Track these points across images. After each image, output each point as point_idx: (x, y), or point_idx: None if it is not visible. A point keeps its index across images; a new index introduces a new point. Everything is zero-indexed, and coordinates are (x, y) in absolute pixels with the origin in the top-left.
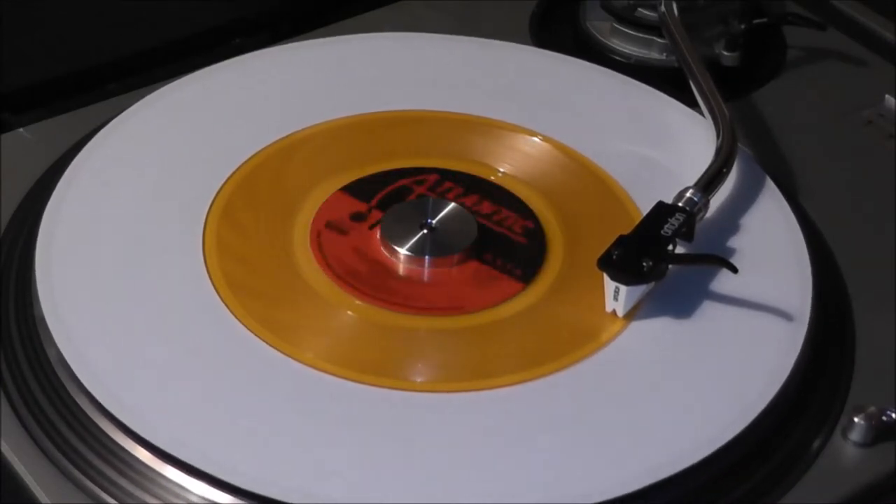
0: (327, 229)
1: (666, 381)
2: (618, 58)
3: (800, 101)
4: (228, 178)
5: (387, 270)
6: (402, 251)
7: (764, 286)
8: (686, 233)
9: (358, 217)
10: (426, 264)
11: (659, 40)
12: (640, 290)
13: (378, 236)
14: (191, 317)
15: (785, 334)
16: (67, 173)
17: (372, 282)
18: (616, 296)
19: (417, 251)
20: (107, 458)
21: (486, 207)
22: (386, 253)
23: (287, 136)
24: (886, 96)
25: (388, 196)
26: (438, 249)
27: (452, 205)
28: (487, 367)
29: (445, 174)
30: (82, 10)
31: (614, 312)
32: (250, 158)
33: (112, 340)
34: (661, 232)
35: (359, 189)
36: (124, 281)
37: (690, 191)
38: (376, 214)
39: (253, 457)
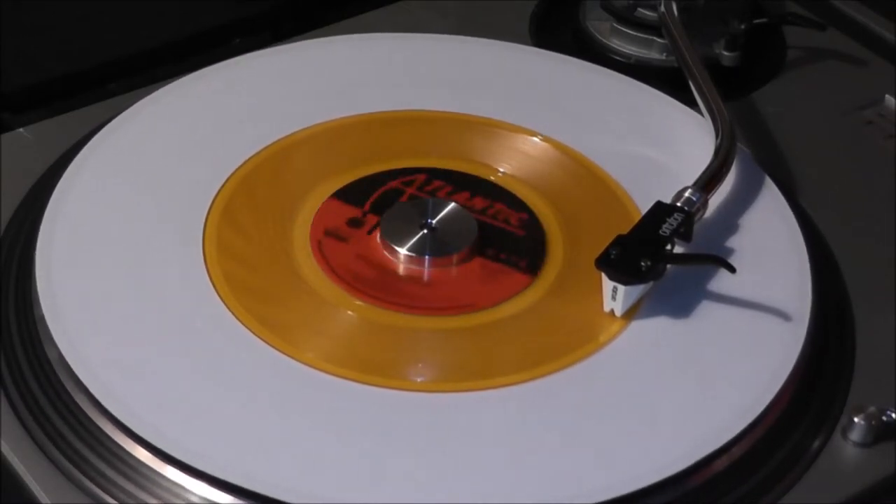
0: (327, 237)
1: (665, 380)
2: (618, 58)
3: (800, 101)
4: (228, 178)
5: (394, 274)
6: (403, 251)
7: (764, 286)
8: (685, 233)
9: (354, 223)
10: (426, 264)
11: (659, 40)
12: (638, 289)
13: (378, 238)
14: (191, 317)
15: (785, 334)
16: (67, 173)
17: (382, 286)
18: (614, 295)
19: (417, 251)
20: (107, 458)
21: (480, 203)
22: (387, 254)
23: (287, 136)
24: (886, 96)
25: (380, 199)
26: (438, 249)
27: (452, 205)
28: (487, 367)
29: (434, 173)
30: (82, 10)
31: (612, 312)
32: (250, 158)
33: (112, 340)
34: (660, 232)
35: (351, 193)
36: (124, 281)
37: (689, 190)
38: (372, 219)
39: (253, 457)
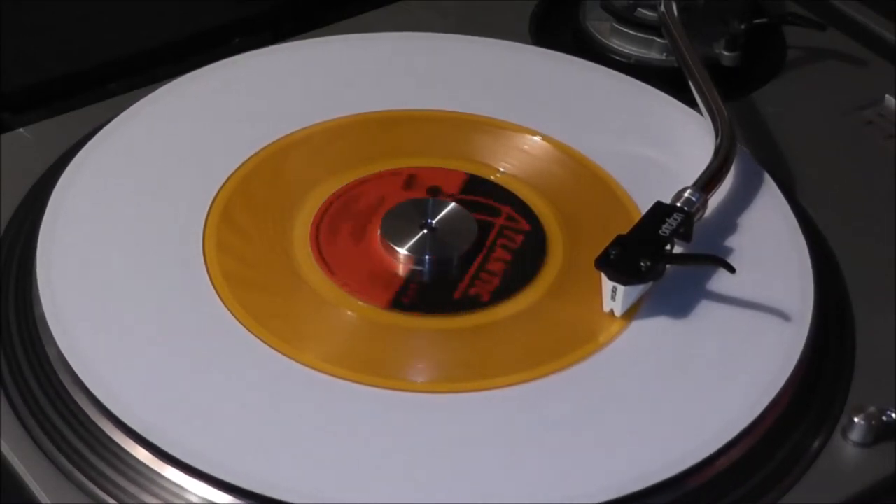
0: (401, 177)
1: (666, 381)
2: (618, 58)
3: (800, 101)
4: (228, 178)
5: (354, 230)
6: (402, 251)
7: (764, 286)
8: (685, 233)
9: (434, 191)
10: (426, 263)
11: (659, 40)
12: (638, 290)
13: (379, 233)
14: (191, 317)
15: (785, 334)
16: (67, 173)
17: (329, 228)
18: (614, 296)
19: (417, 251)
20: (107, 458)
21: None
22: (383, 250)
23: (287, 136)
24: (886, 96)
25: (472, 204)
26: (438, 249)
27: (452, 205)
28: (487, 368)
29: (533, 228)
30: (82, 10)
31: (612, 312)
32: (250, 158)
33: (112, 340)
34: (660, 232)
35: (473, 182)
36: (124, 281)
37: (689, 191)
38: (422, 194)
39: (253, 457)
